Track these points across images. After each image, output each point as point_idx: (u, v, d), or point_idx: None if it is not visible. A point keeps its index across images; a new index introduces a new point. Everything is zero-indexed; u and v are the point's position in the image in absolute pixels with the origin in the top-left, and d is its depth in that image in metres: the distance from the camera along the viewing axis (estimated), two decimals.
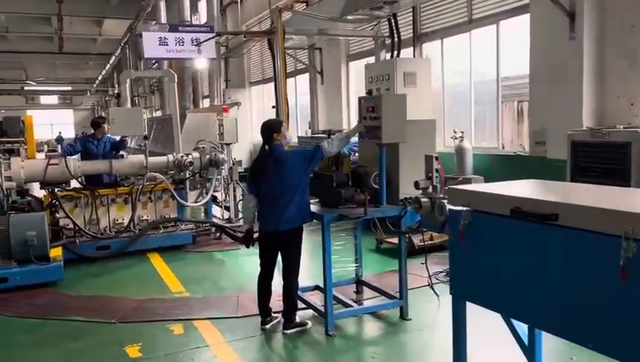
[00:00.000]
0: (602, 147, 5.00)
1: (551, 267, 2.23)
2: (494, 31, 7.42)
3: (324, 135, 9.89)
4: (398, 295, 4.83)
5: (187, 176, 7.68)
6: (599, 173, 4.93)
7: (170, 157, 7.63)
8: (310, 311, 4.80)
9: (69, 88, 36.13)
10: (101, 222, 7.21)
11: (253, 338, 4.41)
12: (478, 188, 2.72)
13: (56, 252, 6.23)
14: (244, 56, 15.22)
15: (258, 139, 16.74)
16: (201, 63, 11.04)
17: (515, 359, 3.12)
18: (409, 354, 4.23)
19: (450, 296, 2.81)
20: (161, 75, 11.48)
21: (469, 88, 8.05)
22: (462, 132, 7.39)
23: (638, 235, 1.89)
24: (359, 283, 5.35)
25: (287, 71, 8.93)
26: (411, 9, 8.68)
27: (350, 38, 10.62)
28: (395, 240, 7.07)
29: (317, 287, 5.15)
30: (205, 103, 18.84)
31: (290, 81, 11.93)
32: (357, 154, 5.45)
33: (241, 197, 9.18)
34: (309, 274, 5.42)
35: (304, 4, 9.62)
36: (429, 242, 6.35)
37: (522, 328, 2.86)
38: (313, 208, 4.62)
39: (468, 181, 3.22)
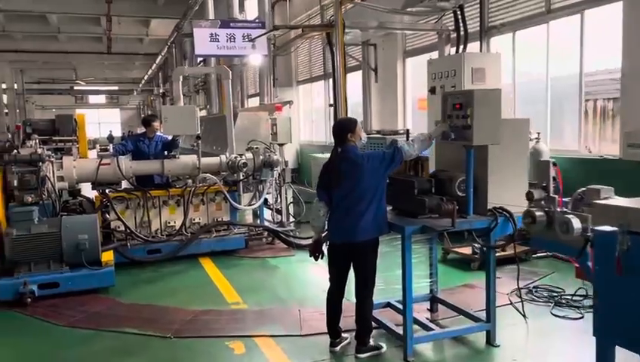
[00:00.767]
0: None
1: None
2: (576, 21, 6.71)
3: (378, 135, 9.41)
4: (478, 314, 4.31)
5: (241, 177, 7.32)
6: None
7: (223, 157, 7.31)
8: (380, 330, 4.31)
9: (116, 88, 36.87)
10: (152, 225, 6.93)
11: None
12: None
13: (107, 256, 5.97)
14: (291, 54, 14.87)
15: (304, 139, 16.36)
16: (256, 59, 10.65)
17: None
18: None
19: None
20: (215, 71, 11.22)
21: (545, 85, 7.35)
22: (538, 133, 6.74)
23: None
24: (434, 300, 4.81)
25: None
26: (479, 0, 8.03)
27: (407, 34, 10.06)
28: (464, 250, 6.58)
29: (389, 304, 4.65)
30: (251, 103, 18.66)
31: None
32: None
33: (291, 200, 8.81)
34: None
35: None
36: (502, 253, 5.74)
37: None
38: (387, 217, 4.14)
39: (595, 192, 2.65)
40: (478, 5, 7.84)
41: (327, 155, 4.27)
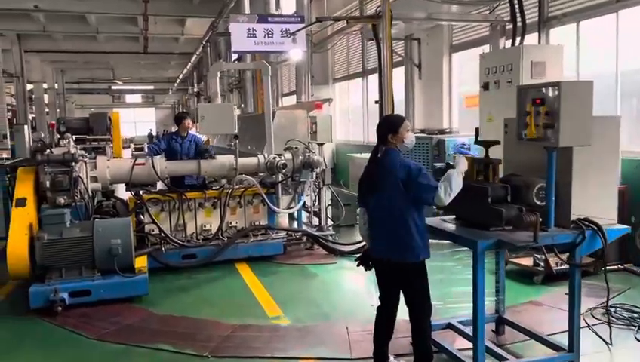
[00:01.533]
0: None
1: None
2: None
3: (423, 134, 8.85)
4: (552, 338, 3.79)
5: (280, 179, 6.91)
6: None
7: (262, 158, 6.91)
8: (441, 355, 3.81)
9: (152, 87, 37.26)
10: (187, 228, 6.59)
11: None
12: None
13: (141, 262, 5.64)
14: (328, 51, 14.43)
15: (340, 139, 15.88)
16: (296, 54, 10.22)
17: None
18: None
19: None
20: (254, 67, 10.86)
21: (614, 80, 6.66)
22: None
23: None
24: (500, 321, 4.26)
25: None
26: None
27: (454, 27, 9.46)
28: (525, 260, 5.97)
29: (449, 325, 4.13)
30: (285, 101, 18.31)
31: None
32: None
33: (329, 202, 8.38)
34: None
35: None
36: (564, 266, 5.12)
37: None
38: (451, 228, 3.64)
39: None
40: None
41: (366, 155, 3.76)
